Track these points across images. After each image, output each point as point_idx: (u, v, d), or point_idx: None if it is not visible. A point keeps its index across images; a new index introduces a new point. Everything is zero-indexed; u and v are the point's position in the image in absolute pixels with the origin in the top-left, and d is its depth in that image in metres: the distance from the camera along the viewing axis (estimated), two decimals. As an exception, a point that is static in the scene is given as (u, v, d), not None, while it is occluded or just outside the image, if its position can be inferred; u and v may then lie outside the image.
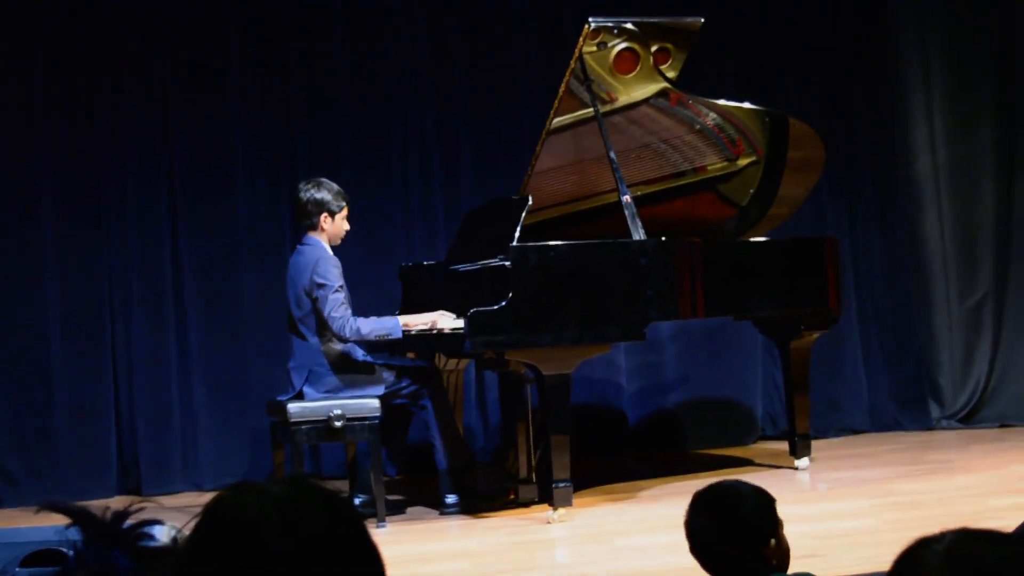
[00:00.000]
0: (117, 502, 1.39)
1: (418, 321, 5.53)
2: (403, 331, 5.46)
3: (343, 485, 5.96)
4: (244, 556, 1.16)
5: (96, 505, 1.40)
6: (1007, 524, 1.27)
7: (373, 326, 5.41)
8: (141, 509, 1.34)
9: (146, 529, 1.34)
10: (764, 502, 2.35)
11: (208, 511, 1.21)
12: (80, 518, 1.33)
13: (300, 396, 5.45)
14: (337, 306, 5.37)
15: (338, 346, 5.49)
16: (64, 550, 2.76)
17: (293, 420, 5.31)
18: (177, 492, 6.53)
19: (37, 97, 6.61)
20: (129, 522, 1.33)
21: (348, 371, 5.49)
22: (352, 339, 5.43)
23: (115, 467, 6.62)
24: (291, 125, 6.92)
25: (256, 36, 6.90)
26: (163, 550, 1.37)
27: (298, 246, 5.63)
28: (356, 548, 1.21)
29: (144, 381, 6.65)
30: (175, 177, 6.77)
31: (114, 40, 6.70)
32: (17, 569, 2.77)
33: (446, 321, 5.47)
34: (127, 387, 6.65)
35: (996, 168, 7.69)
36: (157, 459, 6.63)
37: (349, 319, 5.36)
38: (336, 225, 5.55)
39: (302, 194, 5.54)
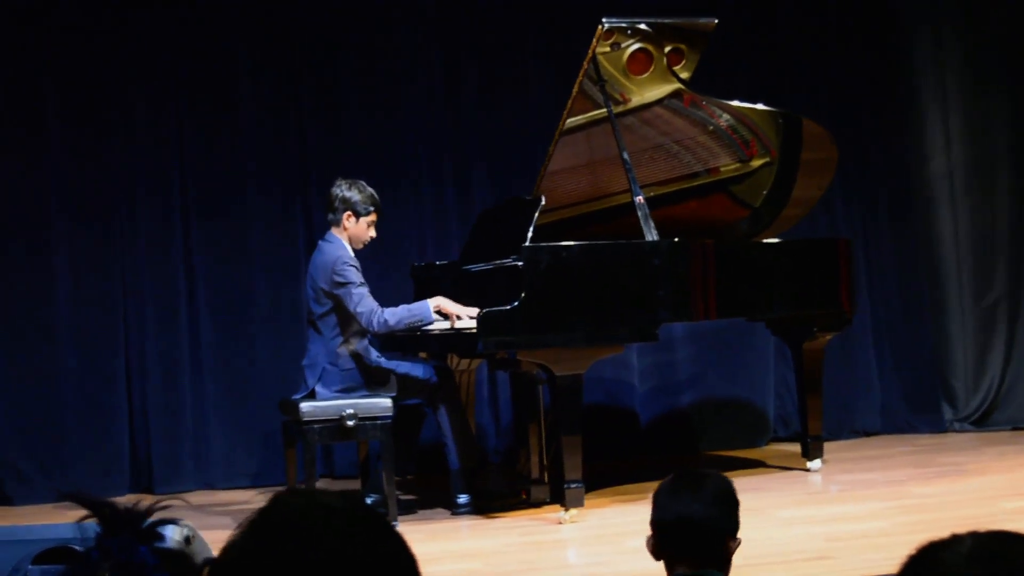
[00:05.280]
0: (135, 500, 1.38)
1: (452, 309, 5.42)
2: (435, 311, 5.42)
3: (355, 484, 5.97)
4: (294, 557, 1.17)
5: (120, 501, 1.40)
6: (1020, 527, 1.27)
7: (401, 315, 5.40)
8: (165, 508, 1.35)
9: (159, 529, 1.35)
10: (731, 491, 2.43)
11: (262, 512, 1.23)
12: (102, 511, 1.33)
13: (312, 395, 5.46)
14: (363, 300, 5.38)
15: (353, 346, 5.50)
16: (77, 548, 2.77)
17: (305, 419, 5.31)
18: (188, 491, 6.55)
19: (51, 109, 6.63)
20: (150, 520, 1.33)
21: (362, 370, 5.49)
22: (381, 332, 5.42)
23: (127, 466, 6.63)
24: (302, 126, 6.94)
25: (266, 43, 6.91)
26: (176, 552, 1.38)
27: (319, 242, 5.65)
28: (401, 562, 1.22)
29: (156, 380, 6.66)
30: (188, 179, 6.79)
31: (126, 54, 6.71)
32: (30, 567, 2.78)
33: (468, 322, 5.42)
34: (139, 386, 6.67)
35: (1011, 168, 7.66)
36: (169, 458, 6.64)
37: (376, 312, 5.36)
38: (359, 227, 5.55)
39: (334, 189, 5.57)
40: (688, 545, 2.36)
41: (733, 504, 2.40)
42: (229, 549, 1.21)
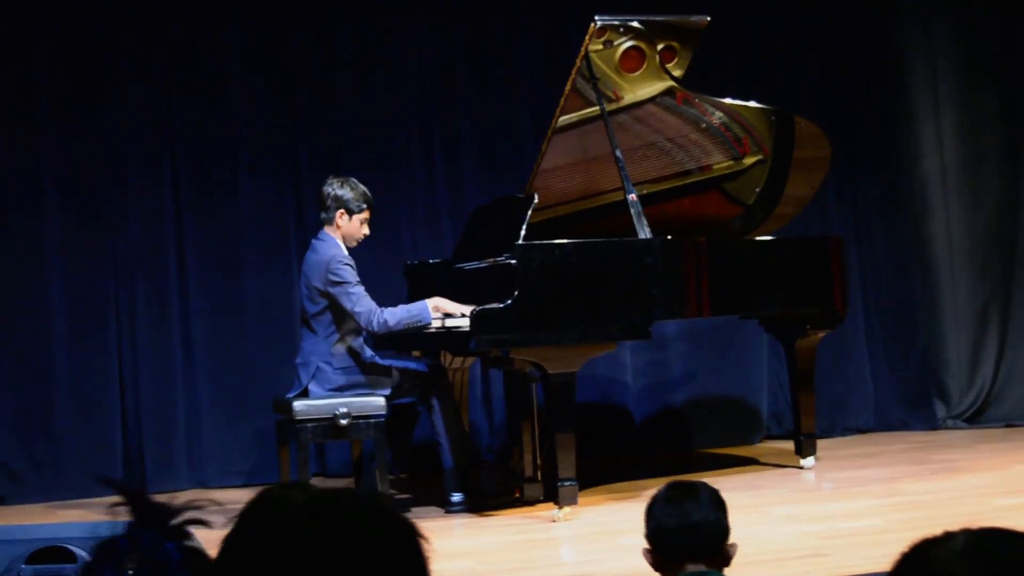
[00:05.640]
0: (169, 497, 1.38)
1: (452, 308, 5.42)
2: (433, 314, 5.41)
3: (348, 483, 5.96)
4: (283, 546, 1.17)
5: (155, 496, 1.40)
6: (1013, 524, 1.26)
7: (401, 316, 5.38)
8: (200, 508, 1.34)
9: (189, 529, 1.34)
10: (720, 499, 2.51)
11: (253, 502, 1.22)
12: (136, 501, 1.32)
13: (306, 393, 5.45)
14: (360, 299, 5.37)
15: (347, 344, 5.49)
16: (71, 547, 2.76)
17: (299, 418, 5.31)
18: (181, 490, 6.54)
19: (41, 97, 6.59)
20: (180, 518, 1.33)
21: (355, 369, 5.48)
22: (380, 332, 5.41)
23: (120, 465, 6.60)
24: (294, 124, 6.91)
25: (259, 35, 6.90)
26: (200, 552, 1.37)
27: (313, 240, 5.65)
28: (395, 551, 1.21)
29: (149, 378, 6.64)
30: (179, 175, 6.76)
31: (117, 40, 6.68)
32: (23, 566, 2.77)
33: (460, 319, 5.41)
34: (132, 384, 6.65)
35: (1003, 167, 7.68)
36: (162, 457, 6.62)
37: (376, 311, 5.35)
38: (352, 225, 5.55)
39: (326, 188, 5.56)
40: (692, 550, 2.41)
41: (725, 508, 2.47)
42: (223, 545, 1.21)
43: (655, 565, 2.45)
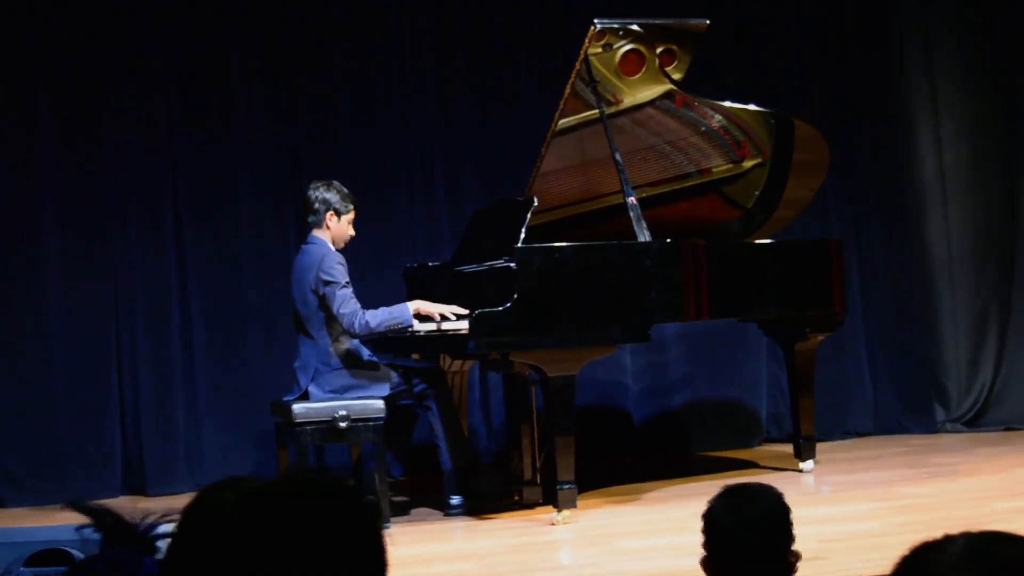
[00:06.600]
0: (132, 509, 1.35)
1: (432, 309, 5.47)
2: (414, 315, 5.43)
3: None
4: (219, 548, 1.15)
5: (130, 508, 1.38)
6: (1012, 527, 1.26)
7: (382, 317, 5.41)
8: (168, 520, 1.33)
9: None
10: (783, 503, 2.38)
11: (189, 506, 1.21)
12: (104, 520, 1.31)
13: (305, 396, 5.45)
14: (346, 301, 5.39)
15: (345, 345, 5.49)
16: (70, 550, 2.76)
17: (298, 420, 5.31)
18: (181, 493, 6.54)
19: (43, 117, 6.60)
20: (159, 530, 1.31)
21: (354, 370, 5.49)
22: (362, 334, 5.43)
23: (119, 468, 6.61)
24: (294, 129, 6.92)
25: (258, 47, 6.90)
26: None
27: (303, 245, 5.66)
28: (336, 538, 1.19)
29: (149, 381, 6.65)
30: (180, 181, 6.77)
31: (118, 53, 6.69)
32: (21, 568, 2.77)
33: (454, 321, 5.42)
34: (132, 387, 6.65)
35: (1002, 170, 7.67)
36: (161, 460, 6.63)
37: (358, 314, 5.37)
38: (341, 227, 5.57)
39: (311, 192, 5.58)
40: (749, 563, 2.30)
41: (787, 515, 2.36)
42: (167, 552, 1.20)
43: (710, 573, 2.33)
